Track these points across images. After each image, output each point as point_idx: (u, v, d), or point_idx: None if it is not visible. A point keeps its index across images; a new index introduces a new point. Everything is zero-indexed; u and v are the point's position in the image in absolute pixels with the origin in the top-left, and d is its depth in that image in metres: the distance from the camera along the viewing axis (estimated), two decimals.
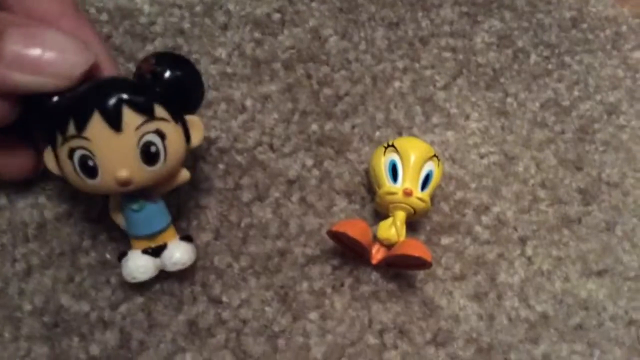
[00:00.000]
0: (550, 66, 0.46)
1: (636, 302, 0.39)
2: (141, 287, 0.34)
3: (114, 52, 0.39)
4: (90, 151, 0.27)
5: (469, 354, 0.36)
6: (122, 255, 0.32)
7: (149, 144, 0.28)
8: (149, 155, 0.28)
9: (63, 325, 0.32)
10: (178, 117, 0.29)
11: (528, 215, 0.40)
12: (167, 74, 0.28)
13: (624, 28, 0.49)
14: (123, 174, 0.27)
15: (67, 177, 0.29)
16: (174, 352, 0.33)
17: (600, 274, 0.40)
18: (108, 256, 0.34)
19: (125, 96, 0.27)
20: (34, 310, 0.32)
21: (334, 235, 0.35)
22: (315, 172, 0.39)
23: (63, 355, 0.32)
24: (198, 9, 0.41)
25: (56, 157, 0.28)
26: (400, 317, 0.36)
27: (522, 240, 0.40)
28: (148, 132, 0.27)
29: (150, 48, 0.39)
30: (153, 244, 0.31)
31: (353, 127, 0.40)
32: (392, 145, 0.36)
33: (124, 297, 0.33)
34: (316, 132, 0.40)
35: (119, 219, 0.31)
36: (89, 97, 0.27)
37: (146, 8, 0.40)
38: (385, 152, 0.36)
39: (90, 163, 0.27)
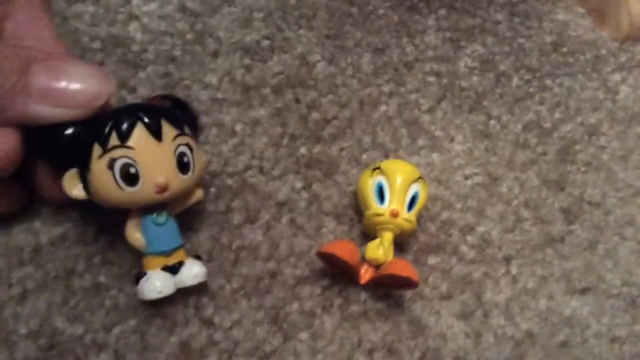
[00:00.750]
0: (531, 89, 0.47)
1: (619, 319, 0.40)
2: (135, 310, 0.34)
3: None
4: (133, 159, 0.29)
5: None
6: (140, 275, 0.32)
7: (182, 154, 0.31)
8: (183, 164, 0.31)
9: (58, 348, 0.33)
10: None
11: (512, 234, 0.41)
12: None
13: (604, 51, 0.50)
14: (163, 179, 0.30)
15: (100, 190, 0.30)
16: None
17: (583, 291, 0.41)
18: (102, 279, 0.34)
19: (163, 112, 0.31)
20: (29, 333, 0.33)
21: (323, 256, 0.35)
22: (305, 194, 0.39)
23: None
24: (189, 36, 0.42)
25: (83, 177, 0.30)
26: (389, 336, 0.36)
27: (507, 260, 0.40)
28: (182, 144, 0.31)
29: (142, 75, 0.40)
30: (170, 262, 0.32)
31: (341, 150, 0.41)
32: (379, 168, 0.37)
33: (118, 319, 0.34)
34: (305, 155, 0.40)
35: (138, 239, 0.32)
36: (131, 111, 0.30)
37: (138, 36, 0.41)
38: (372, 174, 0.37)
39: (133, 170, 0.29)
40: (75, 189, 0.30)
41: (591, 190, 0.44)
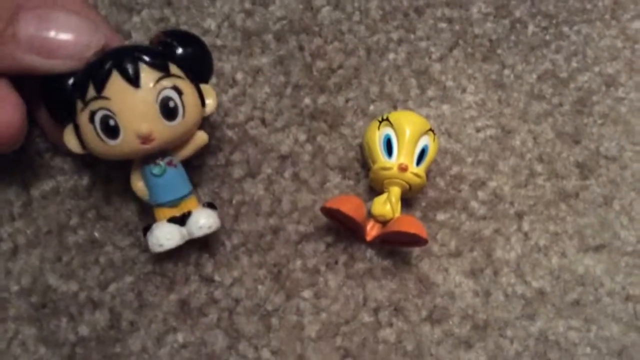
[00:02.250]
0: (548, 37, 0.44)
1: (633, 277, 0.39)
2: (131, 266, 0.33)
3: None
4: (110, 110, 0.28)
5: (465, 331, 0.36)
6: (146, 228, 0.31)
7: (167, 99, 0.28)
8: (168, 110, 0.29)
9: (51, 306, 0.32)
10: (192, 80, 0.30)
11: (525, 190, 0.40)
12: (178, 49, 0.30)
13: None
14: (144, 128, 0.28)
15: (90, 146, 0.29)
16: (165, 332, 0.32)
17: (597, 249, 0.39)
18: (97, 234, 0.33)
19: (140, 54, 0.28)
20: (21, 290, 0.32)
21: (328, 212, 0.34)
22: (308, 147, 0.38)
23: (51, 337, 0.31)
24: None
25: (77, 132, 0.29)
26: (395, 294, 0.35)
27: (519, 216, 0.39)
28: (166, 88, 0.28)
29: (136, 19, 0.38)
30: (177, 213, 0.31)
31: (347, 100, 0.39)
32: (387, 119, 0.35)
33: (113, 276, 0.33)
34: (309, 106, 0.39)
35: (141, 190, 0.31)
36: (106, 59, 0.28)
37: None
38: (379, 126, 0.35)
39: (112, 122, 0.28)
40: (72, 144, 0.29)
41: (607, 144, 0.42)
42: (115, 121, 0.28)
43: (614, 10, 0.47)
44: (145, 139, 0.28)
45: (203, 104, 0.31)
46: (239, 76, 0.38)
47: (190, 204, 0.32)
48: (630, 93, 0.44)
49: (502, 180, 0.39)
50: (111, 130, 0.28)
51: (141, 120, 0.28)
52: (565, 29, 0.45)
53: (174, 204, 0.31)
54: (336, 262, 0.36)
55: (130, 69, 0.28)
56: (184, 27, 0.39)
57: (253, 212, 0.36)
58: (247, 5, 0.40)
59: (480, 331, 0.36)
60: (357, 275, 0.35)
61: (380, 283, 0.36)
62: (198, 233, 0.31)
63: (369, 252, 0.36)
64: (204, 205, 0.32)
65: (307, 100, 0.39)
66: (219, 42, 0.39)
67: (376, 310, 0.35)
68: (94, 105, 0.28)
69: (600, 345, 0.37)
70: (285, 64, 0.39)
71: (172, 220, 0.31)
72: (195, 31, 0.39)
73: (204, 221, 0.31)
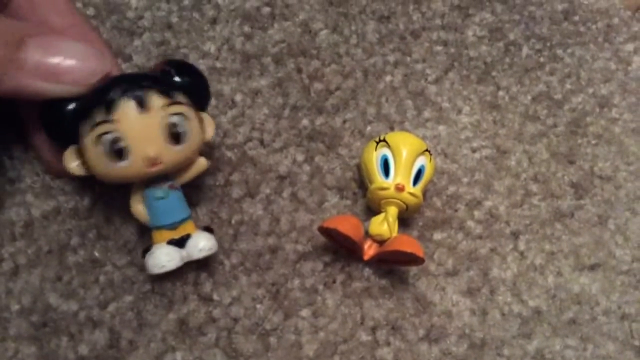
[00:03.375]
0: (542, 59, 0.45)
1: (629, 296, 0.39)
2: (131, 286, 0.33)
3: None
4: (119, 133, 0.28)
5: (462, 349, 0.36)
6: (146, 250, 0.32)
7: (174, 124, 0.29)
8: (174, 134, 0.29)
9: (51, 325, 0.32)
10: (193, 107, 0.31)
11: (520, 209, 0.40)
12: (178, 78, 0.31)
13: (616, 20, 0.49)
14: (152, 152, 0.29)
15: (94, 168, 0.29)
16: (164, 352, 0.32)
17: (593, 268, 0.40)
18: (97, 254, 0.34)
19: (149, 81, 0.29)
20: (21, 310, 0.32)
21: (325, 232, 0.34)
22: (306, 167, 0.38)
23: (51, 356, 0.32)
24: (186, 2, 0.41)
25: (80, 154, 0.29)
26: (392, 313, 0.36)
27: (515, 235, 0.39)
28: (172, 114, 0.29)
29: (137, 43, 0.39)
30: (176, 235, 0.32)
31: (344, 121, 0.40)
32: (384, 140, 0.36)
33: (113, 296, 0.33)
34: (307, 127, 0.39)
35: (142, 213, 0.31)
36: (115, 84, 0.29)
37: (133, 2, 0.40)
38: (376, 147, 0.36)
39: (120, 144, 0.28)
40: (74, 166, 0.30)
41: (602, 164, 0.43)
42: (124, 144, 0.28)
43: (607, 33, 0.48)
44: (153, 162, 0.29)
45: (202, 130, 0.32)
46: (238, 98, 0.39)
47: (189, 227, 0.32)
48: (623, 114, 0.45)
49: (497, 200, 0.40)
50: (119, 153, 0.28)
51: (149, 144, 0.29)
52: (559, 51, 0.46)
53: (173, 226, 0.31)
54: (334, 281, 0.36)
55: (139, 94, 0.28)
56: (184, 51, 0.39)
57: (252, 232, 0.36)
58: (246, 29, 0.41)
59: (478, 350, 0.36)
60: (354, 294, 0.36)
61: (378, 302, 0.36)
62: (198, 255, 0.32)
63: (367, 271, 0.36)
64: (201, 229, 0.33)
65: (305, 122, 0.39)
66: (218, 65, 0.40)
67: (374, 329, 0.35)
68: (102, 128, 0.28)
69: None
70: (283, 86, 0.40)
71: (171, 242, 0.31)
72: (195, 54, 0.39)
73: (204, 243, 0.32)
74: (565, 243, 0.40)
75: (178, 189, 0.32)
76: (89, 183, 0.35)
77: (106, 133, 0.28)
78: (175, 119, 0.29)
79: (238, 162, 0.37)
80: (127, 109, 0.28)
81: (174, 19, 0.40)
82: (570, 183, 0.42)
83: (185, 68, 0.32)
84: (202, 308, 0.34)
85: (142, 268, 0.34)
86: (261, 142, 0.38)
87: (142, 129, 0.28)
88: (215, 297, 0.34)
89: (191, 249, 0.32)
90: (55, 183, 0.35)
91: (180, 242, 0.32)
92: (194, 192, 0.36)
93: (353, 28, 0.43)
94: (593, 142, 0.43)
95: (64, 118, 0.29)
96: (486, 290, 0.37)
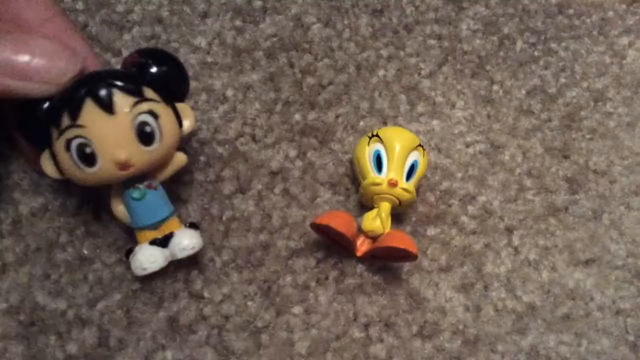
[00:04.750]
0: (536, 53, 0.45)
1: (624, 291, 0.39)
2: (120, 284, 0.33)
3: (90, 42, 0.37)
4: (86, 138, 0.27)
5: (456, 346, 0.35)
6: (129, 252, 0.31)
7: (143, 124, 0.28)
8: (144, 135, 0.28)
9: (39, 324, 0.32)
10: (167, 101, 0.30)
11: (514, 204, 0.40)
12: (153, 68, 0.29)
13: (611, 14, 0.48)
14: (122, 155, 0.28)
15: (67, 173, 0.29)
16: (154, 350, 0.32)
17: (587, 263, 0.39)
18: (85, 252, 0.33)
19: (114, 80, 0.28)
20: (9, 308, 0.32)
21: (317, 228, 0.34)
22: (299, 163, 0.38)
23: (39, 355, 0.31)
24: None
25: (54, 158, 0.29)
26: (385, 310, 0.35)
27: (509, 230, 0.39)
28: (141, 113, 0.28)
29: (127, 37, 0.38)
30: (159, 235, 0.31)
31: (337, 116, 0.40)
32: (377, 135, 0.35)
33: (102, 294, 0.33)
34: (299, 122, 0.39)
35: (122, 214, 0.31)
36: (80, 86, 0.27)
37: None
38: (369, 142, 0.35)
39: (88, 150, 0.27)
40: (50, 170, 0.29)
41: (596, 158, 0.42)
42: (92, 149, 0.27)
43: (601, 26, 0.47)
44: (123, 165, 0.28)
45: (180, 124, 0.30)
46: (229, 93, 0.39)
47: (172, 225, 0.31)
48: (618, 108, 0.44)
49: (491, 195, 0.40)
50: (88, 158, 0.28)
51: (118, 147, 0.28)
52: (554, 45, 0.46)
53: (155, 226, 0.31)
54: (326, 278, 0.35)
55: (104, 95, 0.27)
56: (174, 45, 0.39)
57: (243, 228, 0.36)
58: (238, 23, 0.41)
59: (471, 346, 0.36)
60: (347, 290, 0.35)
61: (371, 298, 0.35)
62: (181, 255, 0.31)
63: (360, 268, 0.36)
64: (186, 226, 0.32)
65: (297, 117, 0.39)
66: (209, 59, 0.39)
67: (367, 326, 0.35)
68: (70, 133, 0.27)
69: (591, 359, 0.37)
70: (275, 81, 0.40)
71: (155, 242, 0.31)
72: (186, 48, 0.39)
73: (186, 242, 0.31)
74: (559, 238, 0.39)
75: (157, 188, 0.31)
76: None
77: (74, 138, 0.27)
78: (144, 117, 0.28)
79: (229, 157, 0.37)
80: (92, 112, 0.27)
81: (164, 13, 0.40)
82: (564, 178, 0.41)
83: (159, 56, 0.30)
84: (193, 305, 0.33)
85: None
86: (253, 137, 0.38)
87: (109, 132, 0.27)
88: (206, 294, 0.34)
89: (174, 248, 0.31)
90: (43, 180, 0.34)
91: (164, 242, 0.31)
92: (184, 188, 0.36)
93: (346, 22, 0.42)
94: (588, 136, 0.43)
95: (36, 120, 0.28)
96: (480, 286, 0.37)
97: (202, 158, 0.37)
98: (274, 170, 0.37)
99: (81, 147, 0.27)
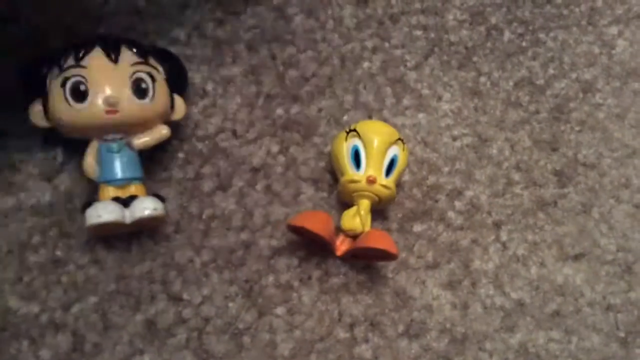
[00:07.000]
0: (524, 43, 0.44)
1: (614, 286, 0.38)
2: (95, 286, 0.32)
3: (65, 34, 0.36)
4: (84, 77, 0.30)
5: (443, 345, 0.35)
6: (86, 204, 0.31)
7: (140, 79, 0.31)
8: (138, 88, 0.31)
9: (11, 329, 0.31)
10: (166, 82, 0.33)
11: (502, 199, 0.39)
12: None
13: (599, 3, 0.47)
14: (112, 92, 0.30)
15: (54, 111, 0.31)
16: (131, 355, 0.31)
17: (576, 258, 0.39)
18: (59, 253, 0.32)
19: (126, 38, 0.32)
20: None
21: (294, 229, 0.33)
22: (281, 158, 0.37)
23: None
24: None
25: (44, 105, 0.31)
26: (371, 309, 0.35)
27: (497, 225, 0.38)
28: (141, 71, 0.32)
29: (103, 29, 0.37)
30: (123, 195, 0.32)
31: (320, 110, 0.39)
32: (354, 130, 0.35)
33: (76, 297, 0.32)
34: (282, 116, 0.38)
35: (91, 166, 0.32)
36: (92, 36, 0.32)
37: None
38: (347, 137, 0.35)
39: (82, 87, 0.30)
40: (38, 117, 0.31)
41: (585, 151, 0.42)
42: (86, 86, 0.30)
43: (590, 16, 0.47)
44: (111, 106, 0.30)
45: (172, 109, 0.34)
46: (209, 87, 0.38)
47: (138, 189, 0.32)
48: (607, 99, 0.44)
49: (479, 189, 0.39)
50: (80, 94, 0.30)
51: (111, 89, 0.30)
52: (542, 35, 0.45)
53: (121, 184, 0.31)
54: (310, 278, 0.35)
55: (112, 46, 0.31)
56: (152, 37, 0.38)
57: (224, 227, 0.35)
58: (218, 14, 0.40)
59: (459, 345, 0.35)
60: (331, 290, 0.35)
61: (356, 298, 0.35)
62: (140, 214, 0.31)
63: (344, 267, 0.35)
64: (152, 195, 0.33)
65: (279, 111, 0.38)
66: (188, 52, 0.38)
67: (352, 326, 0.34)
68: (70, 72, 0.30)
69: (581, 356, 0.36)
70: (257, 74, 0.39)
71: (116, 200, 0.31)
72: (164, 41, 0.38)
73: (148, 203, 0.32)
74: (548, 233, 0.39)
75: (133, 151, 0.32)
76: (51, 175, 0.33)
77: (72, 76, 0.30)
78: (142, 75, 0.31)
79: (209, 154, 0.36)
80: (97, 57, 0.31)
81: (142, 4, 0.39)
82: (553, 171, 0.41)
83: (163, 54, 0.34)
84: (171, 308, 0.33)
85: (107, 267, 0.32)
86: (234, 132, 0.37)
87: (107, 76, 0.31)
88: (185, 296, 0.33)
89: (135, 208, 0.31)
90: (14, 179, 0.33)
91: (126, 202, 0.31)
92: (162, 185, 0.35)
93: (329, 12, 0.42)
94: (576, 128, 0.42)
95: (36, 69, 0.31)
96: (467, 282, 0.37)
97: (180, 155, 0.36)
98: (256, 166, 0.36)
99: (76, 84, 0.30)
